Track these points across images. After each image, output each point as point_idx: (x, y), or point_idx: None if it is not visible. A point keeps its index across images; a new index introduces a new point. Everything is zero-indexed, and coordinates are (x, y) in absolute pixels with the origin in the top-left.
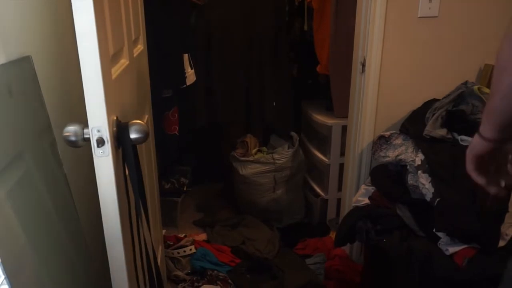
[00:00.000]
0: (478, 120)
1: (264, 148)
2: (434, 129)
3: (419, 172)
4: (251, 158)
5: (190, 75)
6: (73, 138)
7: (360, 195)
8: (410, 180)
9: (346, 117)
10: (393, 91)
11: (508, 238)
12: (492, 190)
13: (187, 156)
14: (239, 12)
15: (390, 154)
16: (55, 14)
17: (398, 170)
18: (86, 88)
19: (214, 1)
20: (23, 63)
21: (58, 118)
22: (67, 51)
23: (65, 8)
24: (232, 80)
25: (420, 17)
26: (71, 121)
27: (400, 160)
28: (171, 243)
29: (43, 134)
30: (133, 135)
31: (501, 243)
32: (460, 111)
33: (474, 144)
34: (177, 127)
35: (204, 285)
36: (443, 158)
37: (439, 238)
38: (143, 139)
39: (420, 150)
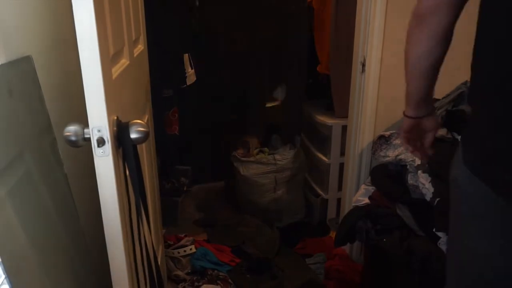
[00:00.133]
0: None
1: (266, 149)
2: None
3: (419, 172)
4: (252, 159)
5: (191, 75)
6: (73, 138)
7: (360, 195)
8: (410, 180)
9: (346, 117)
10: (393, 91)
11: None
12: (417, 155)
13: (187, 155)
14: (240, 14)
15: (390, 154)
16: (55, 14)
17: (398, 170)
18: (87, 88)
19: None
20: (24, 63)
21: (59, 118)
22: (67, 51)
23: (65, 8)
24: (233, 80)
25: None
26: (72, 121)
27: (400, 160)
28: (171, 242)
29: (43, 134)
30: (133, 135)
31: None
32: (459, 111)
33: (403, 122)
34: (177, 127)
35: (204, 285)
36: (443, 158)
37: (439, 237)
38: (144, 139)
39: None
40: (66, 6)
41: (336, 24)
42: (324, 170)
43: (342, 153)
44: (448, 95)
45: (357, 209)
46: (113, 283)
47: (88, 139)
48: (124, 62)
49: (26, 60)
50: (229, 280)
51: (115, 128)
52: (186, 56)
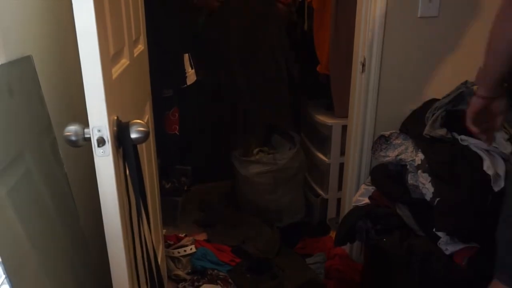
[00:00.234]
0: None
1: (266, 148)
2: (434, 129)
3: (419, 171)
4: (252, 158)
5: (191, 75)
6: (73, 138)
7: (360, 195)
8: (410, 179)
9: (346, 116)
10: (393, 91)
11: None
12: (483, 137)
13: (187, 155)
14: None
15: (390, 154)
16: (56, 13)
17: (398, 169)
18: (87, 88)
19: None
20: (24, 63)
21: (59, 117)
22: (67, 51)
23: (66, 8)
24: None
25: (420, 17)
26: (72, 121)
27: (400, 159)
28: (172, 242)
29: (43, 134)
30: (133, 135)
31: None
32: (459, 111)
33: (472, 103)
34: (177, 127)
35: (205, 285)
36: (443, 158)
37: (439, 237)
38: (144, 138)
39: (420, 149)
40: (66, 6)
41: (336, 24)
42: (324, 170)
43: (342, 153)
44: (448, 95)
45: (357, 209)
46: (113, 283)
47: (88, 139)
48: (124, 62)
49: (27, 60)
50: (229, 280)
51: (115, 128)
52: (186, 56)
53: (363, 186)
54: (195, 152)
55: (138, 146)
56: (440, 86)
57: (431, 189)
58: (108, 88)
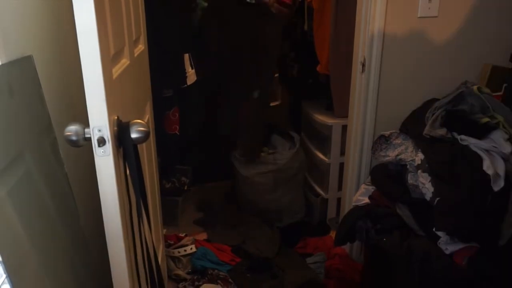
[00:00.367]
0: (478, 119)
1: (266, 148)
2: (433, 128)
3: (419, 171)
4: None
5: (191, 75)
6: (74, 138)
7: (360, 195)
8: (410, 179)
9: (346, 116)
10: (393, 91)
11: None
12: None
13: (187, 155)
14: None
15: (390, 154)
16: (56, 13)
17: (398, 169)
18: (87, 88)
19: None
20: (24, 63)
21: (59, 117)
22: (68, 51)
23: (66, 8)
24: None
25: (420, 17)
26: (72, 121)
27: (400, 159)
28: (172, 242)
29: (44, 134)
30: (134, 135)
31: (501, 242)
32: (459, 110)
33: None
34: (177, 127)
35: (205, 284)
36: (443, 158)
37: (439, 237)
38: (144, 138)
39: (420, 149)
40: (66, 5)
41: (336, 24)
42: (324, 169)
43: (342, 153)
44: (448, 95)
45: (357, 208)
46: (113, 283)
47: (89, 139)
48: (124, 62)
49: (27, 60)
50: (230, 280)
51: (115, 128)
52: (186, 56)
53: (363, 186)
54: (195, 152)
55: (139, 146)
56: (440, 86)
57: (431, 189)
58: (109, 87)
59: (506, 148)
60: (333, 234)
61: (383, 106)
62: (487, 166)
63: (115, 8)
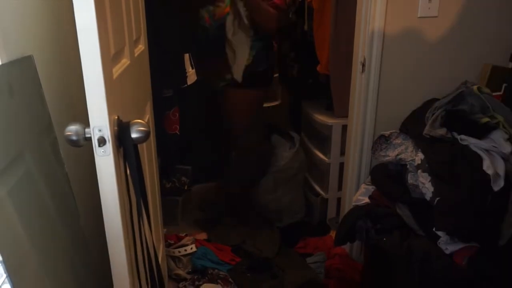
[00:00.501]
0: (478, 119)
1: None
2: (433, 128)
3: (419, 171)
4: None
5: (191, 75)
6: (74, 138)
7: (360, 194)
8: (410, 179)
9: (346, 116)
10: (393, 91)
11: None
12: None
13: (188, 155)
14: None
15: (390, 154)
16: (56, 13)
17: (398, 169)
18: (88, 87)
19: None
20: (25, 63)
21: (60, 117)
22: (68, 51)
23: (66, 8)
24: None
25: (420, 17)
26: (73, 121)
27: (400, 159)
28: (172, 242)
29: (44, 134)
30: (134, 135)
31: (501, 242)
32: (459, 110)
33: None
34: (178, 127)
35: (205, 284)
36: (442, 158)
37: (439, 237)
38: (144, 138)
39: (420, 149)
40: (67, 5)
41: (336, 24)
42: (324, 169)
43: (342, 153)
44: (448, 95)
45: (357, 208)
46: (114, 282)
47: (89, 139)
48: (125, 61)
49: (27, 60)
50: (230, 279)
51: (116, 128)
52: (186, 56)
53: (363, 186)
54: (195, 152)
55: (139, 145)
56: (440, 86)
57: (431, 189)
58: (109, 87)
59: (506, 148)
60: (333, 234)
61: (383, 106)
62: (487, 166)
63: (115, 7)
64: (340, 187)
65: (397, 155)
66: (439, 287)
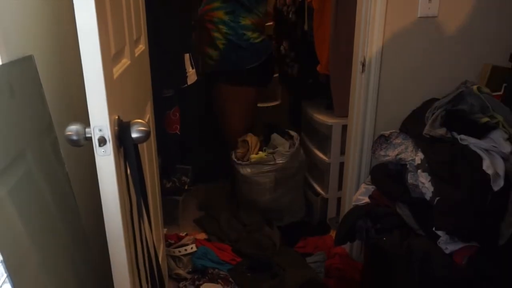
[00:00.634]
0: (477, 119)
1: (266, 148)
2: (433, 128)
3: (419, 171)
4: (247, 163)
5: (191, 75)
6: (75, 137)
7: (360, 194)
8: (410, 179)
9: (346, 116)
10: (393, 91)
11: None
12: None
13: (188, 155)
14: None
15: (390, 153)
16: (57, 13)
17: (398, 169)
18: (88, 87)
19: None
20: (25, 63)
21: (60, 117)
22: (69, 50)
23: (66, 8)
24: None
25: (420, 17)
26: (73, 120)
27: (400, 159)
28: (173, 241)
29: (44, 134)
30: (134, 134)
31: (501, 242)
32: (459, 110)
33: None
34: (178, 126)
35: (205, 284)
36: (442, 157)
37: (438, 236)
38: (145, 138)
39: (419, 149)
40: (67, 5)
41: (336, 24)
42: (324, 169)
43: (342, 152)
44: (448, 95)
45: (357, 208)
46: (114, 282)
47: (90, 139)
48: (125, 61)
49: (28, 60)
50: (230, 279)
51: (116, 128)
52: (186, 56)
53: (363, 186)
54: (195, 152)
55: (139, 145)
56: (440, 86)
57: (431, 189)
58: (109, 87)
59: (506, 147)
60: (333, 233)
61: (383, 106)
62: (487, 166)
63: (116, 7)
64: (340, 187)
65: (397, 155)
66: (439, 286)
